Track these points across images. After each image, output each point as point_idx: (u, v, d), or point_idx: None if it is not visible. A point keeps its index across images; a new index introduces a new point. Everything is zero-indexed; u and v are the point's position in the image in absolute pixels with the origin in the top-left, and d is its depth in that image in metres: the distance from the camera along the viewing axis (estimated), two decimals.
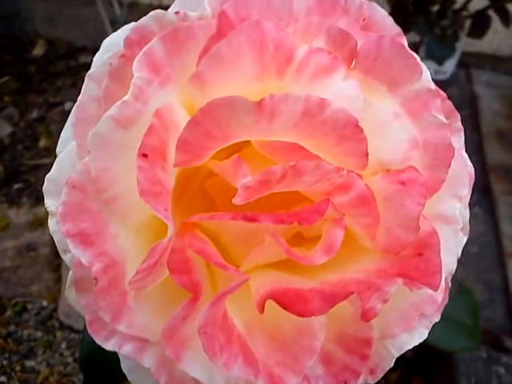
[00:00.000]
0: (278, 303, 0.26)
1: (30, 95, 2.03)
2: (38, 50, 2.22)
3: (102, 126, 0.26)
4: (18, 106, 1.99)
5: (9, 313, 1.27)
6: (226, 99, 0.25)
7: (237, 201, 0.26)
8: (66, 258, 0.30)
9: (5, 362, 1.15)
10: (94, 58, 0.31)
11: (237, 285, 0.26)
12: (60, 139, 0.33)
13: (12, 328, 1.23)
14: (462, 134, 0.31)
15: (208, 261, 0.26)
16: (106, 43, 0.32)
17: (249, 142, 0.29)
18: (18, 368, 1.13)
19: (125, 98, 0.26)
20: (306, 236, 0.31)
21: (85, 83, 0.29)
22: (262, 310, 0.27)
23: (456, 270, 0.32)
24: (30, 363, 1.15)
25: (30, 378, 1.08)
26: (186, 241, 0.27)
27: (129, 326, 0.28)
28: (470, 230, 0.34)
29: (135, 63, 0.26)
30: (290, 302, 0.26)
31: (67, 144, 0.32)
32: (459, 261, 0.32)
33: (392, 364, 0.30)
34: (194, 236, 0.28)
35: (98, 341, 0.28)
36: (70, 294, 0.30)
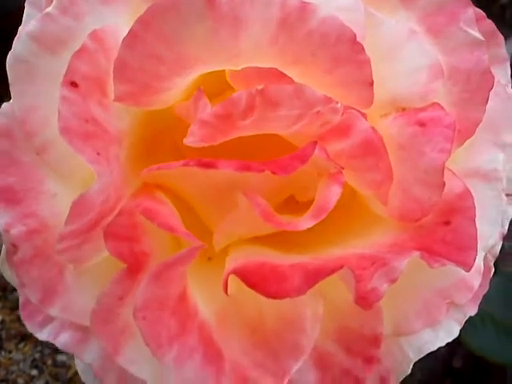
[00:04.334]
0: (243, 280, 0.19)
1: None
2: None
3: (20, 47, 0.20)
4: None
5: None
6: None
7: (189, 140, 0.20)
8: None
9: (37, 356, 1.13)
10: None
11: (185, 253, 0.19)
12: None
13: None
14: (508, 64, 0.23)
15: (152, 222, 0.20)
16: None
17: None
18: (49, 362, 1.11)
19: (48, 10, 0.20)
20: (300, 200, 0.24)
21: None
22: (225, 289, 0.20)
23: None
24: (61, 357, 1.13)
25: (60, 372, 1.06)
26: (137, 201, 0.21)
27: (64, 308, 0.22)
28: None
29: None
30: (259, 278, 0.19)
31: None
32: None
33: (409, 370, 0.23)
34: (147, 196, 0.22)
35: (31, 328, 0.22)
36: (4, 269, 0.24)
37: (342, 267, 0.18)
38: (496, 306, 0.38)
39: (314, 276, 0.19)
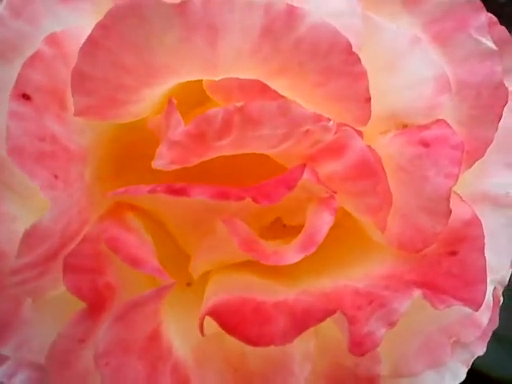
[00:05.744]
0: (220, 325, 0.17)
1: None
2: None
3: None
4: None
5: None
6: (132, 1, 0.16)
7: (157, 163, 0.17)
8: None
9: None
10: None
11: (154, 292, 0.17)
12: None
13: None
14: None
15: (116, 254, 0.17)
16: None
17: None
18: None
19: None
20: (287, 224, 0.22)
21: None
22: (201, 330, 0.18)
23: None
24: None
25: None
26: (103, 226, 0.19)
27: (20, 346, 0.20)
28: None
29: None
30: (238, 320, 0.17)
31: None
32: None
33: None
34: (116, 220, 0.19)
35: None
36: None
37: (334, 312, 0.16)
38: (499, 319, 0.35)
39: (302, 322, 0.16)
